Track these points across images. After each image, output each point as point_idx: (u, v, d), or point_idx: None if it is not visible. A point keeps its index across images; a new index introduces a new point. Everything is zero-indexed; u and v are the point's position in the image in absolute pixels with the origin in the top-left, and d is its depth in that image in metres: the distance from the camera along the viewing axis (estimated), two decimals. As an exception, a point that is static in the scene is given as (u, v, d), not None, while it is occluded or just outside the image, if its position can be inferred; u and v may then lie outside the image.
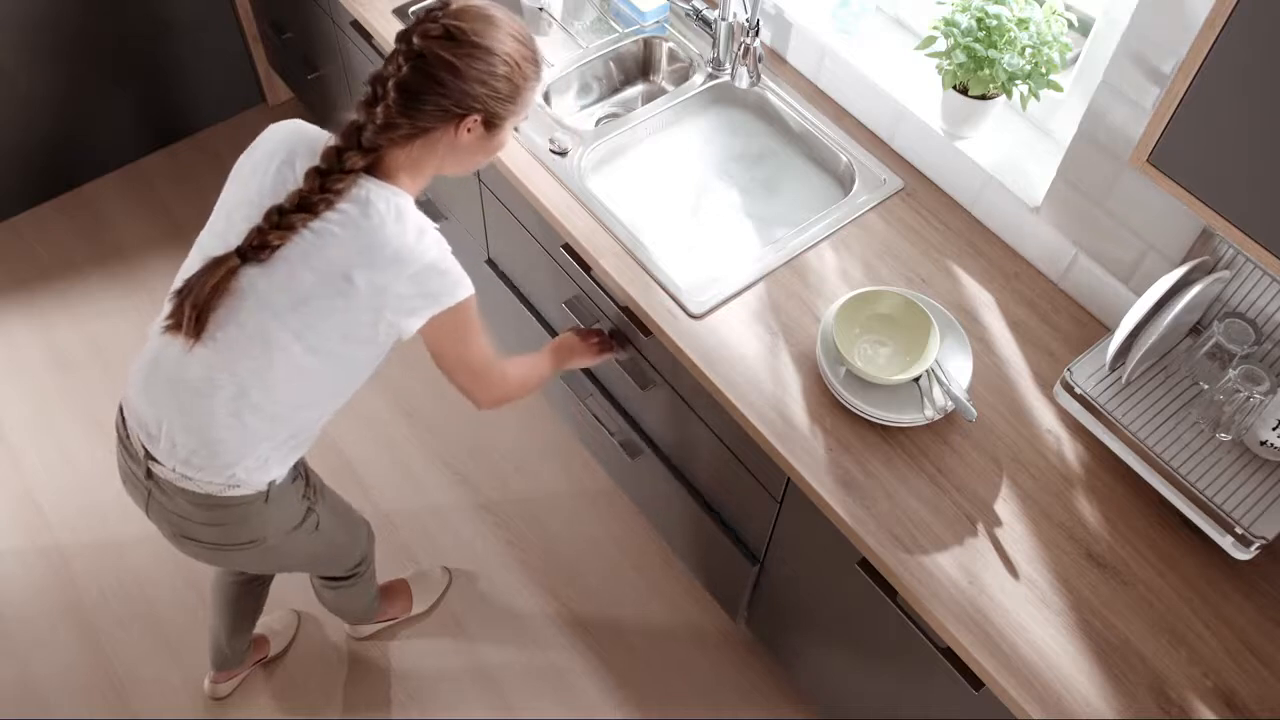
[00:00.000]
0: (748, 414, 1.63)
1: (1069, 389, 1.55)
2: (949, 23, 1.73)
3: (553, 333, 2.29)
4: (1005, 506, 1.55)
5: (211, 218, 1.50)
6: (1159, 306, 1.50)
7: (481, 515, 2.54)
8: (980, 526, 1.53)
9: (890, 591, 1.58)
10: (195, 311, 1.40)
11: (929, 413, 1.60)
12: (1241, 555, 1.42)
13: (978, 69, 1.71)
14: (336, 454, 2.62)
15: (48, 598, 2.39)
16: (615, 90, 2.23)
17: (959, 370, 1.65)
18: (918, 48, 1.80)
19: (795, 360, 1.69)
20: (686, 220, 1.95)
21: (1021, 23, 1.70)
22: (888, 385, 1.62)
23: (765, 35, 2.14)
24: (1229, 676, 1.41)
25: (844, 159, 1.96)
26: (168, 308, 1.44)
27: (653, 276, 1.79)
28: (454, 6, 1.40)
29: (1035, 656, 1.42)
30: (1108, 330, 1.75)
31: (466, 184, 2.27)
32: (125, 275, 2.94)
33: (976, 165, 1.82)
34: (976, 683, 1.50)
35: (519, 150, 1.96)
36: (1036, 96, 1.72)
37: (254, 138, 1.53)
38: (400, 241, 1.40)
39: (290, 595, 2.39)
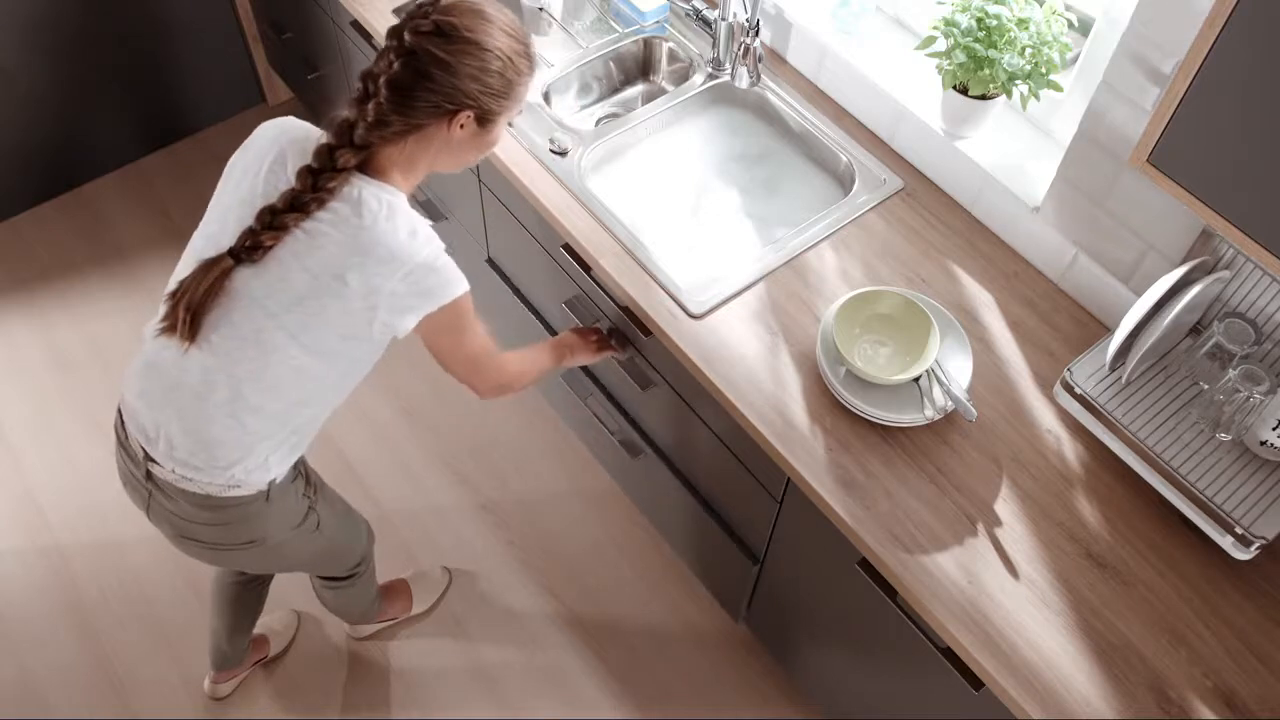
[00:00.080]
0: (748, 414, 1.63)
1: (1069, 389, 1.55)
2: (949, 23, 1.73)
3: (553, 333, 2.29)
4: (1005, 506, 1.55)
5: (204, 219, 1.50)
6: (1159, 306, 1.50)
7: (481, 515, 2.54)
8: (980, 526, 1.53)
9: (890, 591, 1.58)
10: (189, 314, 1.40)
11: (929, 413, 1.60)
12: (1241, 555, 1.42)
13: (978, 69, 1.71)
14: (336, 454, 2.62)
15: (48, 598, 2.39)
16: (615, 90, 2.23)
17: (959, 370, 1.65)
18: (918, 48, 1.80)
19: (795, 360, 1.69)
20: (686, 220, 1.95)
21: (1021, 23, 1.70)
22: (888, 385, 1.62)
23: (765, 35, 2.14)
24: (1229, 676, 1.41)
25: (844, 159, 1.96)
26: (162, 310, 1.44)
27: (653, 276, 1.79)
28: (445, 2, 1.39)
29: (1035, 656, 1.42)
30: (1108, 330, 1.75)
31: (467, 184, 2.27)
32: (125, 275, 2.94)
33: (976, 165, 1.82)
34: (976, 683, 1.50)
35: (519, 150, 1.96)
36: (1036, 96, 1.72)
37: (254, 138, 1.53)
38: (393, 240, 1.39)
39: (290, 595, 2.39)
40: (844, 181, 1.97)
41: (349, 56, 2.53)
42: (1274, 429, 1.45)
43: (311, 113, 3.14)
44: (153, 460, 1.53)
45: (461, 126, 1.42)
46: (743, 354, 1.70)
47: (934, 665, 1.60)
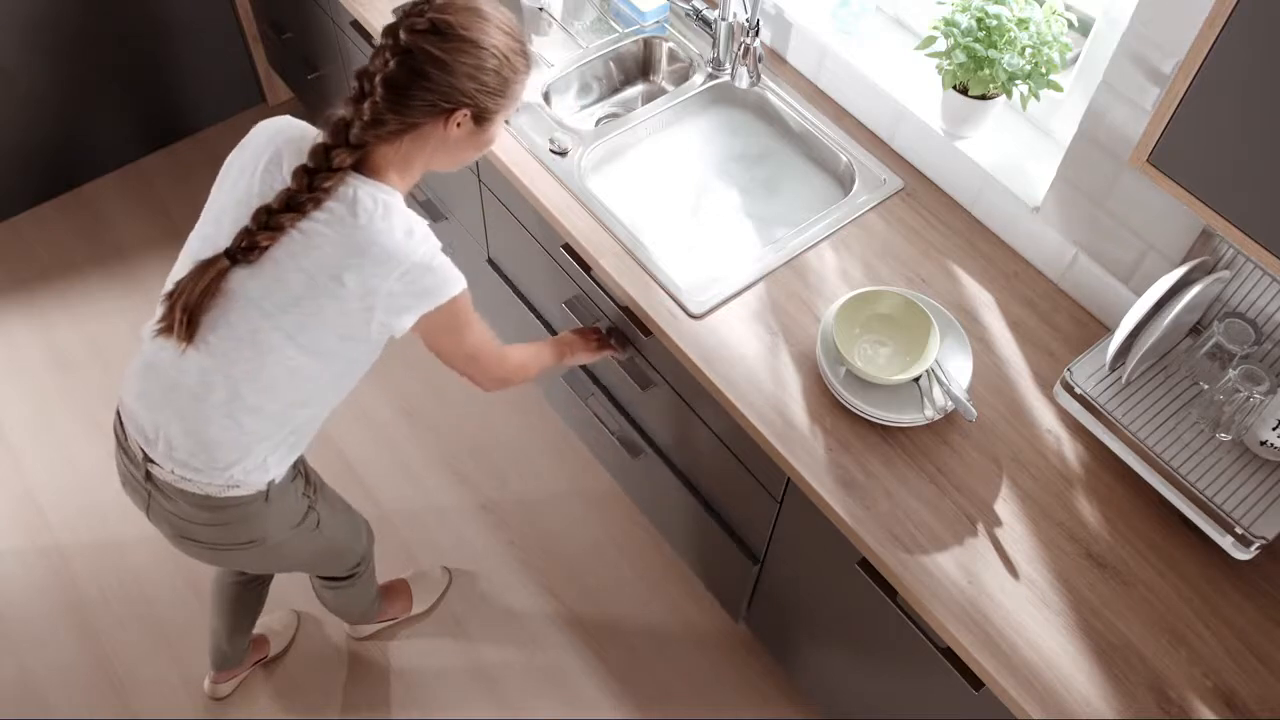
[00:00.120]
0: (748, 414, 1.63)
1: (1069, 389, 1.55)
2: (949, 23, 1.73)
3: (553, 333, 2.29)
4: (1005, 506, 1.55)
5: (201, 219, 1.49)
6: (1159, 306, 1.50)
7: (481, 515, 2.54)
8: (980, 526, 1.53)
9: (890, 591, 1.58)
10: (186, 315, 1.40)
11: (929, 413, 1.60)
12: (1241, 555, 1.42)
13: (978, 69, 1.71)
14: (336, 454, 2.62)
15: (48, 598, 2.39)
16: (615, 90, 2.23)
17: (959, 370, 1.65)
18: (918, 48, 1.80)
19: (795, 360, 1.69)
20: (686, 220, 1.95)
21: (1021, 23, 1.70)
22: (888, 385, 1.62)
23: (765, 35, 2.14)
24: (1229, 676, 1.41)
25: (844, 159, 1.96)
26: (159, 311, 1.44)
27: (653, 276, 1.79)
28: (440, 0, 1.38)
29: (1035, 656, 1.42)
30: (1108, 330, 1.75)
31: (467, 184, 2.27)
32: (125, 275, 2.94)
33: (976, 165, 1.82)
34: (976, 683, 1.50)
35: (519, 150, 1.96)
36: (1036, 96, 1.72)
37: (254, 138, 1.53)
38: (389, 240, 1.39)
39: (290, 595, 2.39)
40: (844, 181, 1.97)
41: (349, 56, 2.53)
42: (1274, 429, 1.45)
43: (311, 113, 3.14)
44: (152, 461, 1.53)
45: (458, 125, 1.42)
46: (743, 354, 1.70)
47: (934, 665, 1.60)
